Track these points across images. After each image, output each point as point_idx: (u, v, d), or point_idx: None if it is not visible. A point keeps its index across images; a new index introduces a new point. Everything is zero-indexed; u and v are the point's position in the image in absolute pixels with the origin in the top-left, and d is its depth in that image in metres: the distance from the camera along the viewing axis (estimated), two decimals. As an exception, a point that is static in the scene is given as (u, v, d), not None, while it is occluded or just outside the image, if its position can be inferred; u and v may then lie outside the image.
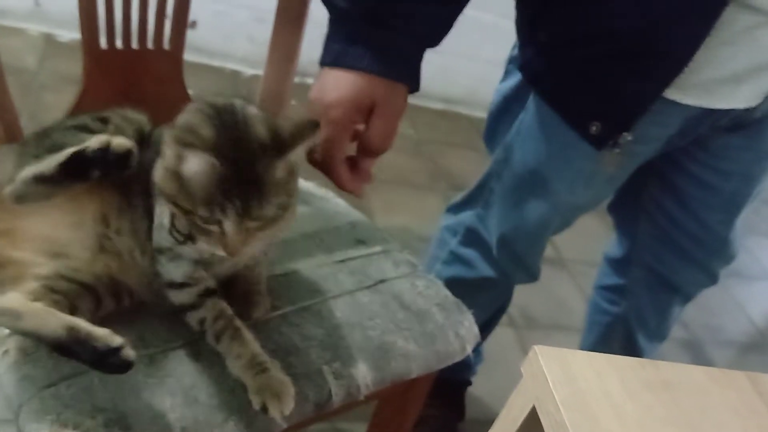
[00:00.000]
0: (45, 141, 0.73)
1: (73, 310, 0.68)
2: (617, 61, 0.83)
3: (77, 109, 0.94)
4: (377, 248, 0.96)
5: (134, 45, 0.97)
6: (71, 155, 0.66)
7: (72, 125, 0.75)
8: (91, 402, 0.67)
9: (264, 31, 1.08)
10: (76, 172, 0.67)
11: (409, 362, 0.85)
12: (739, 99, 0.88)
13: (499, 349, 1.46)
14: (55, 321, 0.65)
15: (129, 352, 0.64)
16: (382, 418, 1.04)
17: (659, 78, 0.83)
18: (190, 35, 1.02)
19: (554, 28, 0.88)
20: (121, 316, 0.75)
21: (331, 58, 0.74)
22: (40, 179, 0.67)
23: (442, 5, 0.76)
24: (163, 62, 0.99)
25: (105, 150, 0.66)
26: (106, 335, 0.64)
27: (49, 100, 1.83)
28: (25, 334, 0.66)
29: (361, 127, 0.78)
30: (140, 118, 0.77)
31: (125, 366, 0.64)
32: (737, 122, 0.93)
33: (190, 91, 1.06)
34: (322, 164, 0.78)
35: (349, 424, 1.32)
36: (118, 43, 0.96)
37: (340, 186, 0.80)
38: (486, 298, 1.21)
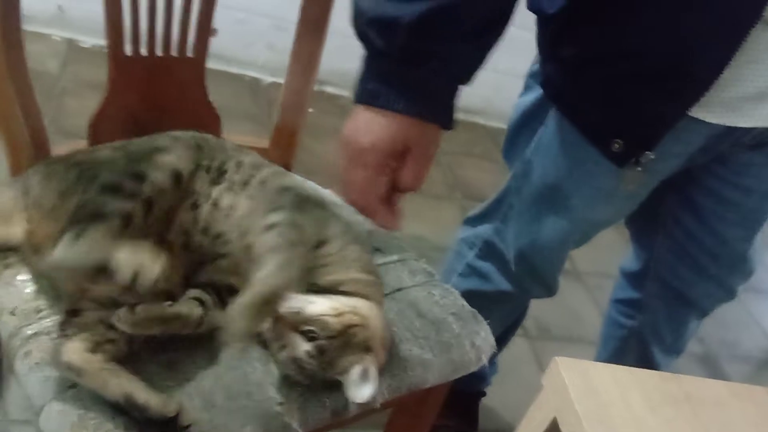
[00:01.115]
0: (74, 197, 0.74)
1: (131, 344, 0.71)
2: (642, 81, 0.83)
3: (101, 115, 0.95)
4: (394, 257, 0.96)
5: (158, 52, 0.98)
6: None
7: (106, 185, 0.74)
8: (111, 404, 0.68)
9: (284, 40, 1.09)
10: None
11: (425, 371, 0.85)
12: (762, 117, 0.87)
13: (513, 361, 1.45)
14: (115, 386, 0.67)
15: (186, 418, 0.67)
16: (396, 427, 1.04)
17: (685, 98, 0.83)
18: (211, 43, 1.03)
19: (577, 46, 0.87)
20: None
21: (366, 98, 0.74)
22: None
23: (477, 44, 0.75)
24: (186, 69, 1.00)
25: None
26: (160, 405, 0.67)
27: (71, 105, 1.85)
28: (88, 389, 0.69)
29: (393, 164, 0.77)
30: (175, 161, 0.79)
31: (183, 430, 0.67)
32: (759, 140, 0.93)
33: (211, 98, 1.07)
34: (359, 204, 0.78)
35: (362, 432, 1.32)
36: (143, 50, 0.97)
37: (378, 224, 0.80)
38: (502, 312, 1.20)
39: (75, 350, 0.68)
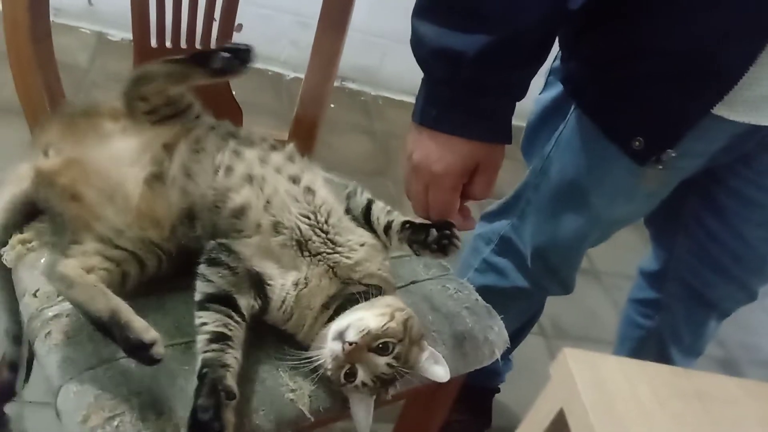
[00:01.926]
0: None
1: (124, 276, 0.75)
2: (665, 80, 0.82)
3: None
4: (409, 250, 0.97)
5: (183, 45, 1.00)
6: None
7: None
8: (127, 386, 0.70)
9: (307, 36, 1.10)
10: None
11: (438, 364, 0.85)
12: None
13: (528, 358, 1.45)
14: (102, 301, 0.69)
15: (159, 350, 0.67)
16: (407, 420, 1.05)
17: (708, 97, 0.82)
18: (235, 38, 1.04)
19: (600, 43, 0.87)
20: (158, 304, 0.78)
21: (430, 123, 0.77)
22: None
23: (535, 67, 0.78)
24: (209, 61, 1.01)
25: None
26: (141, 329, 0.67)
27: (100, 98, 1.88)
28: (73, 303, 0.71)
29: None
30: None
31: (152, 361, 0.67)
32: None
33: (234, 92, 1.08)
34: (438, 221, 0.81)
35: (375, 425, 1.32)
36: (168, 43, 0.99)
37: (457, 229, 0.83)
38: (518, 308, 1.20)
39: (71, 265, 0.71)
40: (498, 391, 1.42)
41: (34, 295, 0.77)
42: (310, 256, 0.77)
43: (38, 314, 0.75)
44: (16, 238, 0.81)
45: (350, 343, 0.70)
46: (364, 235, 0.80)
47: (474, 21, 0.72)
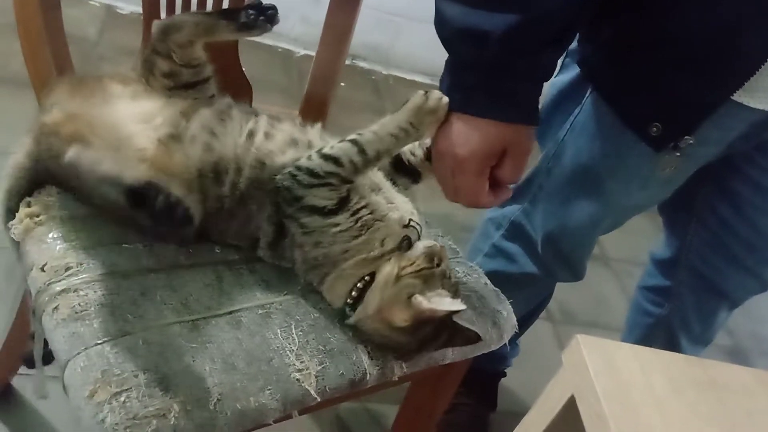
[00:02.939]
0: None
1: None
2: (684, 66, 0.81)
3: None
4: (420, 232, 0.96)
5: (193, 18, 0.98)
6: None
7: None
8: (134, 362, 0.69)
9: (318, 12, 1.09)
10: None
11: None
12: None
13: (535, 343, 1.45)
14: (136, 171, 0.70)
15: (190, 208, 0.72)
16: (413, 402, 1.05)
17: (727, 84, 0.81)
18: (247, 13, 1.03)
19: (618, 27, 0.85)
20: (167, 281, 0.77)
21: (456, 105, 0.76)
22: None
23: (561, 48, 0.78)
24: (219, 36, 1.00)
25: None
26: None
27: (107, 71, 1.87)
28: (104, 179, 0.71)
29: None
30: None
31: (187, 220, 0.72)
32: None
33: (244, 69, 1.07)
34: (468, 205, 0.81)
35: (380, 406, 1.33)
36: (178, 16, 0.97)
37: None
38: (527, 294, 1.19)
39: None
40: (504, 375, 1.42)
41: (42, 269, 0.76)
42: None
43: (45, 288, 0.75)
44: (24, 211, 0.81)
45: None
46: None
47: (501, 0, 0.70)
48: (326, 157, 0.77)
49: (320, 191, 0.77)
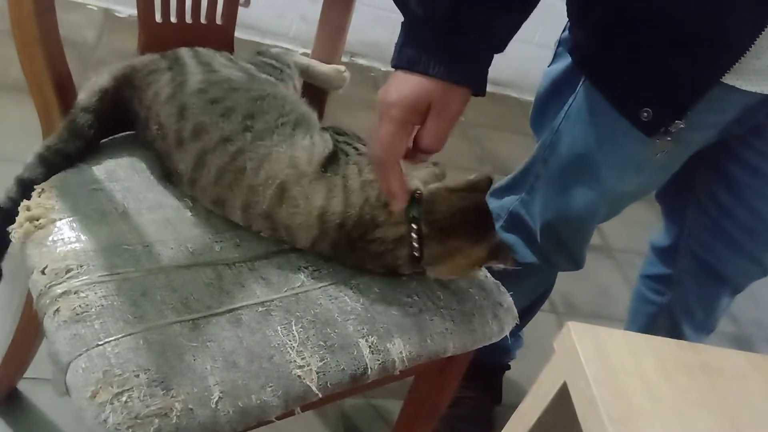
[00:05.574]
0: None
1: None
2: (672, 48, 0.81)
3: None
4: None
5: (188, 19, 0.99)
6: None
7: None
8: (135, 362, 0.70)
9: (316, 11, 1.09)
10: None
11: (446, 340, 0.85)
12: None
13: (538, 335, 1.45)
14: None
15: None
16: (417, 396, 1.05)
17: (716, 66, 0.80)
18: (244, 13, 1.03)
19: (607, 11, 0.85)
20: (167, 281, 0.78)
21: (404, 63, 0.76)
22: None
23: (516, 15, 0.76)
24: (215, 36, 1.01)
25: None
26: None
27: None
28: None
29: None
30: None
31: None
32: None
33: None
34: (380, 159, 0.79)
35: (384, 401, 1.33)
36: (173, 18, 0.98)
37: (384, 189, 0.80)
38: (528, 284, 1.19)
39: None
40: (508, 367, 1.42)
41: (42, 272, 0.77)
42: None
43: (47, 291, 0.76)
44: (24, 215, 0.81)
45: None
46: None
47: None
48: None
49: None
